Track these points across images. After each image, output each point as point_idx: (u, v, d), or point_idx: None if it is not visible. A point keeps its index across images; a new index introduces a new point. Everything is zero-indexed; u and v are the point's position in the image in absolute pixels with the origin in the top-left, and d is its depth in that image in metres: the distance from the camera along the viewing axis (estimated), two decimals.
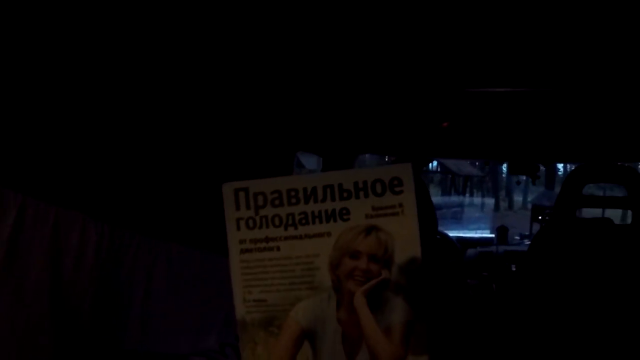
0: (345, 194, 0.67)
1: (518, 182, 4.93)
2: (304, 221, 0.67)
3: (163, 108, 1.40)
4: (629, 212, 1.92)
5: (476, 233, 5.13)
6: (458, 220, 13.61)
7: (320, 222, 0.67)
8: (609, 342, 1.63)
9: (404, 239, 0.66)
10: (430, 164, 18.25)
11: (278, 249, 0.68)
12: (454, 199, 18.79)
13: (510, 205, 23.02)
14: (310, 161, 13.13)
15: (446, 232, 3.31)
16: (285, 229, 0.68)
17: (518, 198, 23.75)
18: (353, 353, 0.67)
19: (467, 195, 20.58)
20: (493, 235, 3.96)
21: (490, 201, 21.58)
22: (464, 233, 4.07)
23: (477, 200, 21.42)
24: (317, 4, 1.29)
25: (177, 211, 1.45)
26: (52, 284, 1.07)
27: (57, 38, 1.05)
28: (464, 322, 1.97)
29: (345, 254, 0.66)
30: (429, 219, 1.79)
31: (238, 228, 0.68)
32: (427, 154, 3.04)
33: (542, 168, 3.30)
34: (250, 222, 0.68)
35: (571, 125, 2.07)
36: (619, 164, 1.95)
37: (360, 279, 0.66)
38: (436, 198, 19.33)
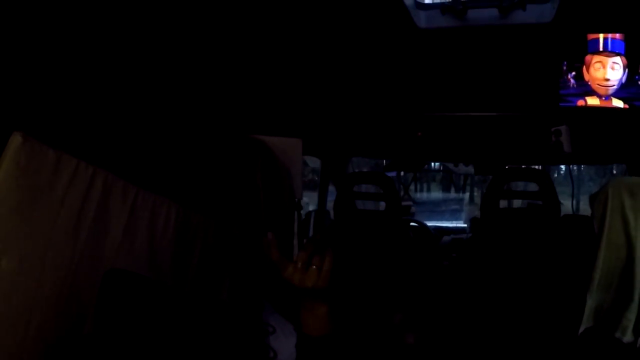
0: None
1: (484, 181, 5.48)
2: None
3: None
4: None
5: (451, 223, 5.73)
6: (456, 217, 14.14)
7: None
8: (523, 293, 2.20)
9: None
10: (432, 164, 18.71)
11: None
12: (453, 196, 19.42)
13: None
14: (312, 159, 13.78)
15: (424, 222, 3.88)
16: None
17: None
18: None
19: (465, 192, 21.11)
20: (466, 225, 4.55)
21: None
22: (441, 223, 4.66)
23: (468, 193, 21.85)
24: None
25: (219, 201, 2.02)
26: (149, 244, 1.67)
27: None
28: (437, 288, 2.56)
29: None
30: None
31: None
32: (406, 158, 3.56)
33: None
34: None
35: (507, 138, 2.62)
36: (532, 167, 2.50)
37: None
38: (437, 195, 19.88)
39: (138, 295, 1.36)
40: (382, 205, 3.19)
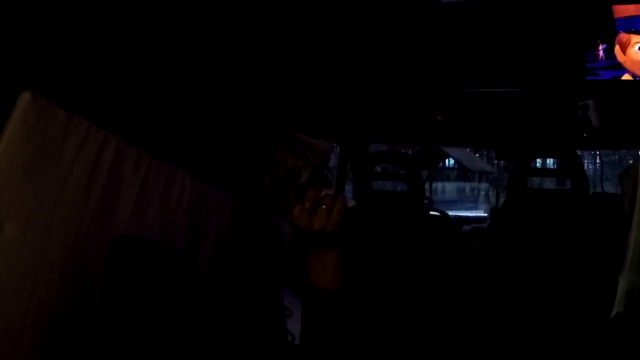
0: None
1: (505, 168, 5.41)
2: None
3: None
4: None
5: (472, 212, 5.65)
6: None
7: None
8: (551, 284, 2.11)
9: None
10: (447, 162, 18.70)
11: None
12: (468, 191, 19.43)
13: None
14: None
15: (446, 211, 3.81)
16: None
17: None
18: None
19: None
20: (486, 214, 4.48)
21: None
22: (461, 212, 4.58)
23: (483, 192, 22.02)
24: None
25: (238, 178, 1.98)
26: (163, 215, 1.61)
27: None
28: (459, 276, 2.47)
29: None
30: None
31: None
32: (425, 142, 3.49)
33: None
34: None
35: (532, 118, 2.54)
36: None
37: None
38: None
39: (151, 264, 1.28)
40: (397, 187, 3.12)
